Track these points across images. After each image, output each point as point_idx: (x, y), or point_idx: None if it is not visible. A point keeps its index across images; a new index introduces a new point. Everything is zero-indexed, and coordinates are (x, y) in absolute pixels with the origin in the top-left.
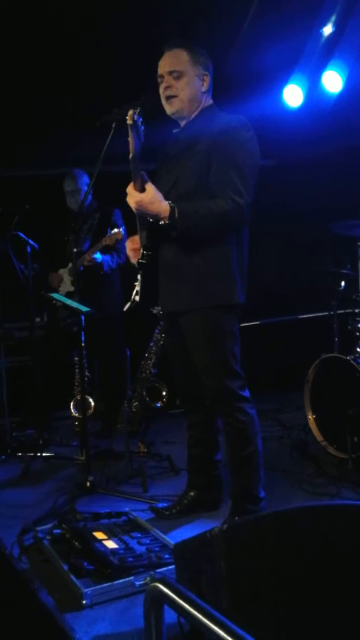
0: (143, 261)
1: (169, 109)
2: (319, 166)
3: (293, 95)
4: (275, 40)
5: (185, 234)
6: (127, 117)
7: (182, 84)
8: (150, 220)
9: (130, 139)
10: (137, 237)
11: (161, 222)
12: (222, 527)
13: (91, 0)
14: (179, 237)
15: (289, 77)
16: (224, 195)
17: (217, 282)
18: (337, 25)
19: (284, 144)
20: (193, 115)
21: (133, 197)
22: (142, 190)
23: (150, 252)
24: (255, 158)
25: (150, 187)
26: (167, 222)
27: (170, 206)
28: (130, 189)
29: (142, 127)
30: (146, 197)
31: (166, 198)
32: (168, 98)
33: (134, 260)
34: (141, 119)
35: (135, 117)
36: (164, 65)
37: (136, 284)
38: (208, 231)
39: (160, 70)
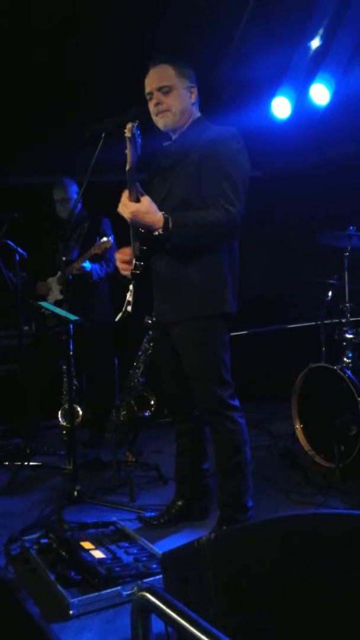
0: (136, 272)
1: (161, 124)
2: (307, 177)
3: (281, 107)
4: (263, 53)
5: (179, 245)
6: (126, 130)
7: (173, 97)
8: (143, 231)
9: (128, 151)
10: (127, 249)
11: (155, 233)
12: (210, 536)
13: (80, 9)
14: (173, 248)
15: (277, 90)
16: (217, 204)
17: (210, 291)
18: (324, 39)
19: (271, 155)
20: (184, 128)
21: (128, 207)
22: (136, 201)
23: (143, 263)
24: (246, 168)
25: (145, 198)
26: (161, 232)
27: (165, 217)
28: (125, 199)
29: (140, 140)
30: (142, 208)
31: (159, 209)
32: (159, 113)
33: (124, 272)
34: (139, 132)
35: (134, 130)
36: (152, 82)
37: (128, 294)
38: (202, 241)
39: (148, 88)
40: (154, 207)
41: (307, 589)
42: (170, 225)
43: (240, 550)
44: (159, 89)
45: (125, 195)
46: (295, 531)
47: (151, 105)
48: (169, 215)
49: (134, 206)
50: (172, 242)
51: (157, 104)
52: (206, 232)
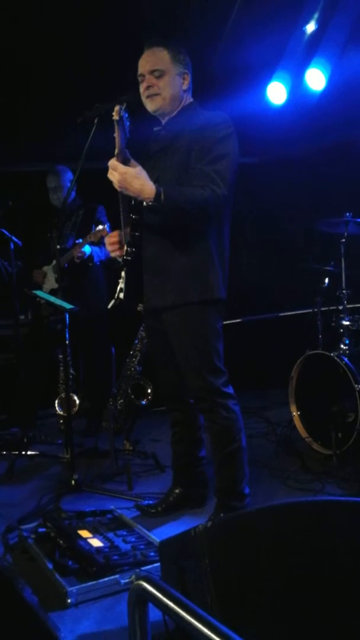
0: (128, 258)
1: (150, 106)
2: (303, 164)
3: (276, 92)
4: (258, 38)
5: (168, 217)
6: (114, 113)
7: (164, 82)
8: (134, 200)
9: (116, 134)
10: (116, 232)
11: (145, 203)
12: (207, 524)
13: None
14: (162, 220)
15: (273, 75)
16: (203, 185)
17: (200, 277)
18: (320, 23)
19: (267, 142)
20: (174, 113)
21: (118, 169)
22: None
23: (134, 249)
24: (235, 153)
25: (134, 163)
26: (150, 202)
27: (157, 187)
28: (113, 162)
29: (128, 123)
30: (131, 171)
31: None
32: (149, 96)
33: (113, 254)
34: (127, 115)
35: (122, 112)
36: (145, 64)
37: (120, 281)
38: (189, 216)
39: (141, 69)
40: (144, 174)
41: (305, 576)
42: (163, 196)
43: (237, 538)
44: (151, 72)
45: (113, 159)
46: (293, 519)
47: (142, 87)
48: (161, 186)
49: (123, 168)
50: (163, 213)
51: (149, 86)
52: (193, 208)
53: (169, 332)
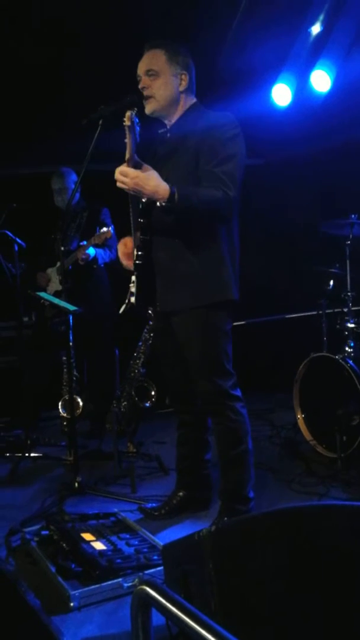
0: (138, 262)
1: (146, 108)
2: (308, 165)
3: (282, 94)
4: (263, 40)
5: (182, 216)
6: (125, 119)
7: (158, 83)
8: (142, 204)
9: (127, 140)
10: (128, 240)
11: (158, 203)
12: (211, 528)
13: None
14: (175, 220)
15: (278, 76)
16: (215, 186)
17: (212, 278)
18: (325, 25)
19: (272, 143)
20: (177, 115)
21: (129, 174)
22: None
23: (144, 253)
24: (242, 154)
25: (147, 166)
26: (164, 203)
27: (170, 187)
28: (122, 168)
29: (138, 128)
30: (142, 174)
31: None
32: (145, 99)
33: (126, 264)
34: (138, 120)
35: (133, 117)
36: (142, 65)
37: (131, 285)
38: (203, 216)
39: (138, 70)
40: (156, 174)
41: (309, 581)
42: (177, 196)
43: (241, 542)
44: (147, 73)
45: (123, 166)
46: (297, 523)
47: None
48: (175, 186)
49: (134, 172)
50: (177, 213)
51: (143, 88)
52: (207, 208)
53: (178, 334)
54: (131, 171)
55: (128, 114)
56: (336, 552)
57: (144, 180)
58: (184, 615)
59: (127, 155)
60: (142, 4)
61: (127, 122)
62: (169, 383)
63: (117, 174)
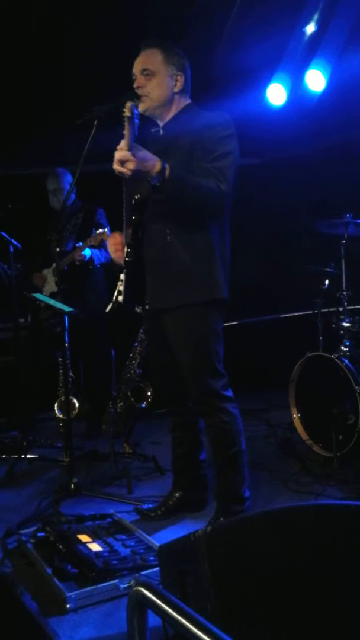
0: (128, 259)
1: (139, 106)
2: (303, 165)
3: (276, 94)
4: (258, 39)
5: (172, 195)
6: (125, 109)
7: (153, 83)
8: (134, 200)
9: (125, 131)
10: (118, 234)
11: (149, 178)
12: (206, 529)
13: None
14: (166, 197)
15: (272, 76)
16: (208, 178)
17: (203, 276)
18: (319, 24)
19: (267, 143)
20: (171, 115)
21: (130, 158)
22: None
23: (134, 250)
24: (235, 153)
25: (142, 148)
26: (155, 175)
27: (162, 164)
28: (123, 153)
29: (137, 121)
30: (138, 154)
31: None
32: (139, 97)
33: (115, 256)
34: (137, 112)
35: (133, 108)
36: (137, 64)
37: (119, 283)
38: (193, 204)
39: (133, 69)
40: (150, 154)
41: (306, 581)
42: (167, 172)
43: (237, 542)
44: (142, 72)
45: (119, 151)
46: (293, 522)
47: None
48: (167, 164)
49: (125, 152)
50: (167, 190)
51: (138, 87)
52: (199, 196)
53: (169, 334)
54: (125, 152)
55: (128, 104)
56: (333, 552)
57: (133, 153)
58: (180, 617)
59: (125, 148)
60: (139, 4)
61: (127, 113)
62: (160, 384)
63: (116, 162)
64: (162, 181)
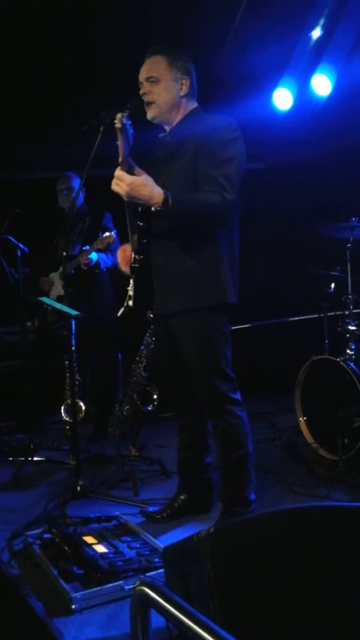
0: (136, 265)
1: (148, 114)
2: (309, 169)
3: (282, 98)
4: (264, 44)
5: (176, 222)
6: (116, 121)
7: (159, 89)
8: (140, 208)
9: (119, 142)
10: (128, 246)
11: (153, 208)
12: (209, 530)
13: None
14: (171, 224)
15: (279, 81)
16: (212, 190)
17: (210, 282)
18: (325, 29)
19: (273, 147)
20: (177, 119)
21: (124, 180)
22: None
23: (142, 256)
24: (241, 157)
25: (140, 171)
26: (159, 208)
27: (164, 192)
28: (119, 172)
29: (132, 130)
30: (138, 180)
31: None
32: (146, 105)
33: (125, 269)
34: (130, 122)
35: (124, 120)
36: (143, 71)
37: (129, 288)
38: (198, 221)
39: (139, 77)
40: (151, 181)
41: (310, 583)
42: (170, 200)
43: (240, 543)
44: (147, 79)
45: (118, 169)
46: (297, 524)
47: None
48: (169, 191)
49: (130, 178)
50: (170, 218)
51: (144, 94)
52: (203, 213)
53: (177, 338)
54: (127, 177)
55: (119, 115)
56: (337, 554)
57: (138, 187)
58: (183, 616)
59: (120, 158)
60: (143, 9)
61: (118, 124)
62: (168, 387)
63: (115, 179)
64: (164, 209)
